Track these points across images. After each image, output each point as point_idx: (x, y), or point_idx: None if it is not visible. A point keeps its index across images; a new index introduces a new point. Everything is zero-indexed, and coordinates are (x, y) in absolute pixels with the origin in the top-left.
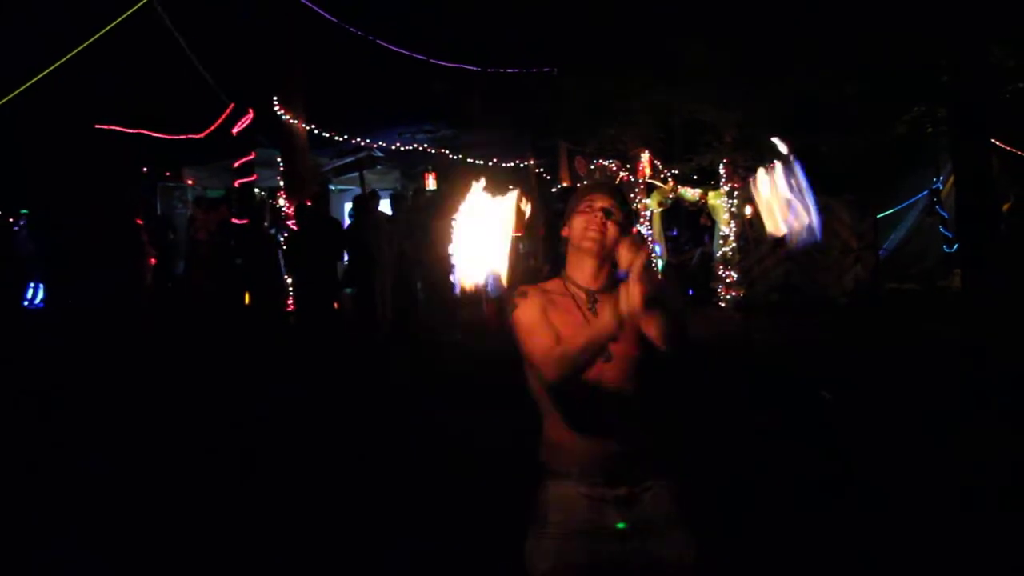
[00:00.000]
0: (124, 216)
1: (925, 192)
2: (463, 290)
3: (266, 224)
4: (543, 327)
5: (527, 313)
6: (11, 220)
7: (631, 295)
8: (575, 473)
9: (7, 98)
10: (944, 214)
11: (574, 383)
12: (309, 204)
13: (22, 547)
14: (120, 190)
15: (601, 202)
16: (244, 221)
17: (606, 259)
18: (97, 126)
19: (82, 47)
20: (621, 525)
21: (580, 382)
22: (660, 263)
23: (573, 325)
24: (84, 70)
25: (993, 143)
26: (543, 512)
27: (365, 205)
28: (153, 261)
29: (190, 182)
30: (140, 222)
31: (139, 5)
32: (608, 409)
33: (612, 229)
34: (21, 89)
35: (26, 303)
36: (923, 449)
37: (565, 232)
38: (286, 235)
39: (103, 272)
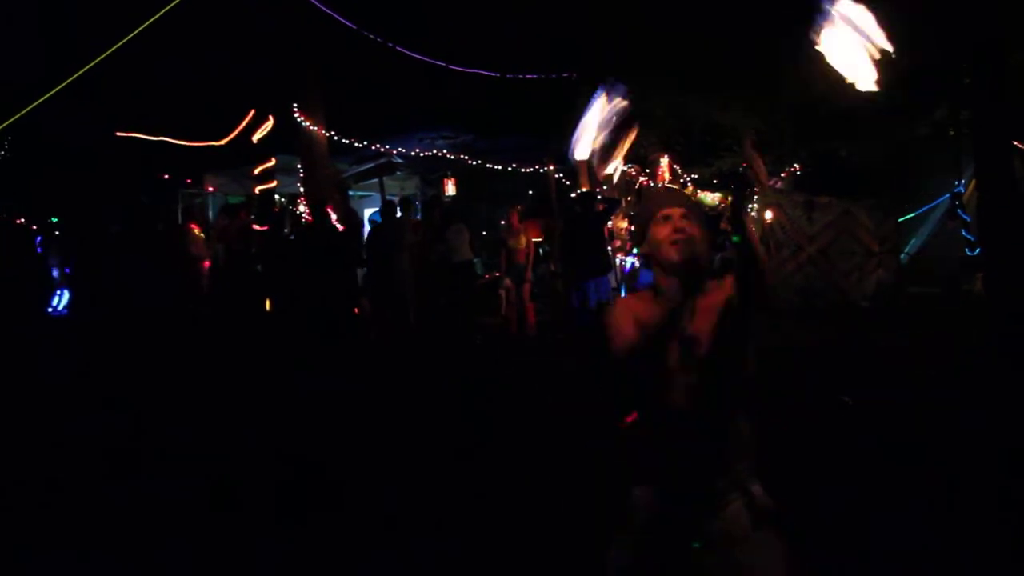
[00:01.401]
0: (151, 224)
1: (947, 195)
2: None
3: (286, 231)
4: (628, 319)
5: (616, 312)
6: (35, 228)
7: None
8: (657, 482)
9: (30, 107)
10: (966, 217)
11: (661, 394)
12: (310, 220)
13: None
14: (148, 197)
15: (675, 212)
16: (264, 228)
17: (695, 267)
18: (119, 134)
19: (105, 55)
20: (696, 544)
21: (666, 393)
22: None
23: (662, 339)
24: (108, 78)
25: (1016, 146)
26: (628, 515)
27: (390, 211)
28: (207, 264)
29: (211, 189)
30: (195, 227)
31: (161, 13)
32: (693, 418)
33: (694, 230)
34: (44, 98)
35: (50, 310)
36: (943, 453)
37: (645, 250)
38: (306, 242)
39: (134, 279)
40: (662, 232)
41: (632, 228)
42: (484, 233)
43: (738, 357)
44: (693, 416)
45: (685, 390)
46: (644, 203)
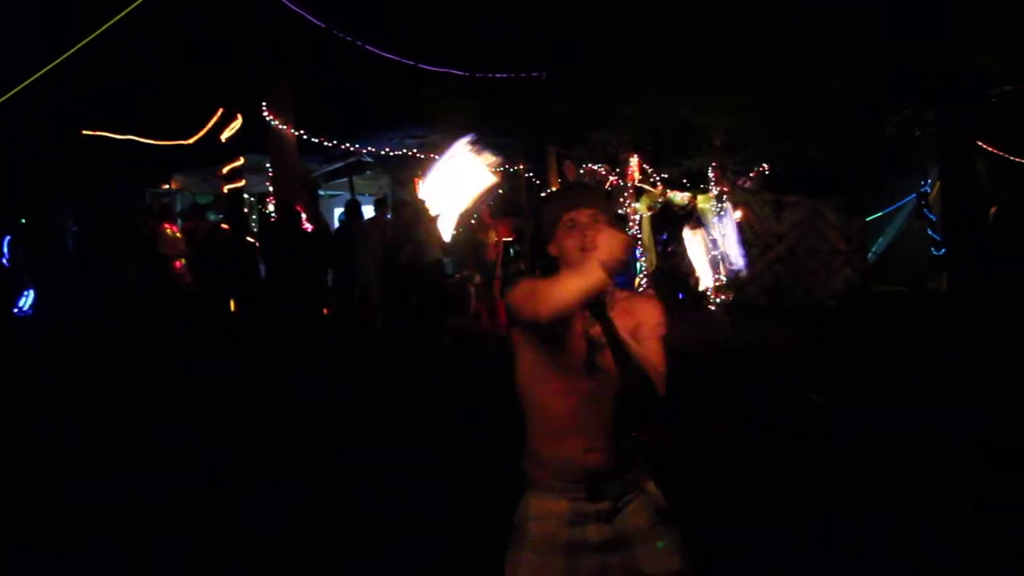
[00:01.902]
0: (122, 222)
1: (913, 195)
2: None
3: (253, 230)
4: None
5: (525, 282)
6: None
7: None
8: (556, 487)
9: None
10: (932, 217)
11: (557, 397)
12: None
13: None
14: (113, 197)
15: (583, 216)
16: (227, 228)
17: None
18: (86, 132)
19: (70, 52)
20: (661, 544)
21: (564, 394)
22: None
23: (566, 335)
24: (73, 75)
25: (980, 146)
26: (524, 524)
27: (354, 212)
28: (179, 265)
29: (176, 186)
30: (167, 226)
31: (129, 9)
32: (592, 424)
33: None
34: (8, 96)
35: (16, 310)
36: (910, 451)
37: (554, 251)
38: (274, 242)
39: (99, 278)
40: (570, 239)
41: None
42: (455, 232)
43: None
44: (593, 419)
45: (582, 392)
46: (550, 202)
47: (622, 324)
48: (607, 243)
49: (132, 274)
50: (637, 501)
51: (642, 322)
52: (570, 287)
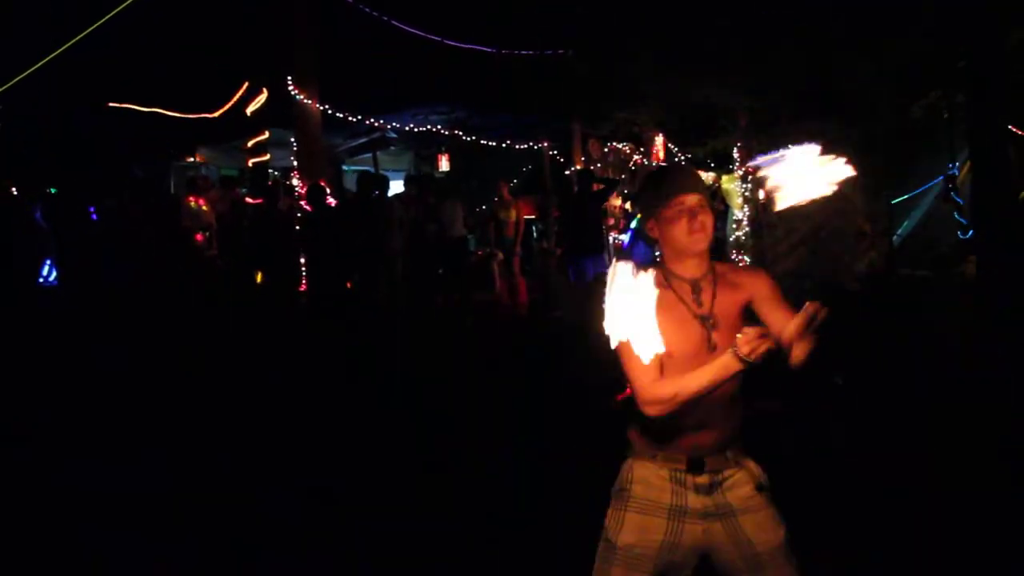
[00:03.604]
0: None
1: (940, 178)
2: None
3: (280, 204)
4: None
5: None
6: (31, 198)
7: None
8: (659, 456)
9: (21, 76)
10: (959, 200)
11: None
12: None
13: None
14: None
15: (690, 200)
16: (259, 201)
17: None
18: (111, 104)
19: (97, 24)
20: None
21: (681, 372)
22: None
23: (678, 321)
24: (99, 48)
25: (1011, 130)
26: (627, 487)
27: (381, 188)
28: (201, 238)
29: (203, 161)
30: (192, 199)
31: None
32: (706, 402)
33: (709, 221)
34: (37, 67)
35: (41, 280)
36: (932, 435)
37: (653, 232)
38: (299, 216)
39: (126, 253)
40: (679, 223)
41: (630, 207)
42: (477, 209)
43: None
44: (707, 398)
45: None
46: (656, 182)
47: (732, 300)
48: (750, 341)
49: (153, 247)
50: (737, 476)
51: (756, 295)
52: (702, 383)
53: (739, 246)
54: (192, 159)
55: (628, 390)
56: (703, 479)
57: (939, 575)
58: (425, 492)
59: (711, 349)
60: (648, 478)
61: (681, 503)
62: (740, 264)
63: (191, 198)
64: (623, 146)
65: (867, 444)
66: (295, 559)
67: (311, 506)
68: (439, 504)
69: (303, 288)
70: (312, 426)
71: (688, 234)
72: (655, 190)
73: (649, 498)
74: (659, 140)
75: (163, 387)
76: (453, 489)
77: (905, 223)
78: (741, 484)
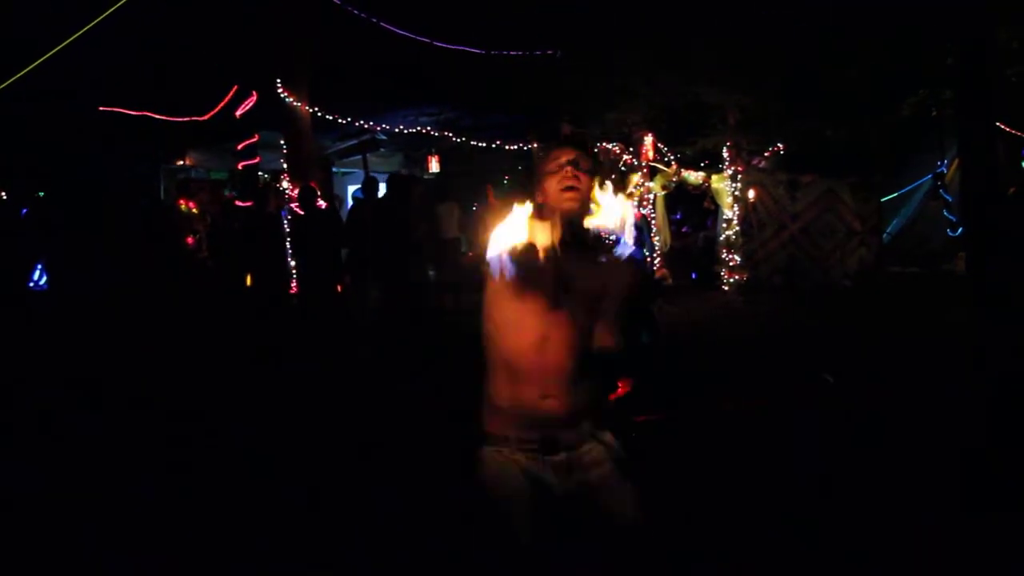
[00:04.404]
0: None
1: (929, 176)
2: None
3: (270, 207)
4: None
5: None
6: (18, 203)
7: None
8: (512, 439)
9: (11, 80)
10: (948, 198)
11: (520, 335)
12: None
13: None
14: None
15: (566, 155)
16: (248, 204)
17: (582, 216)
18: (102, 108)
19: (86, 28)
20: None
21: (526, 333)
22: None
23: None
24: (89, 51)
25: (999, 127)
26: (483, 472)
27: (372, 189)
28: (191, 240)
29: (191, 162)
30: (183, 202)
31: None
32: (551, 368)
33: (584, 180)
34: (27, 71)
35: (31, 284)
36: (923, 433)
37: (540, 199)
38: (290, 218)
39: (111, 258)
40: (555, 178)
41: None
42: (474, 208)
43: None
44: (548, 363)
45: (544, 333)
46: (541, 154)
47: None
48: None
49: (143, 249)
50: (595, 453)
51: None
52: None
53: (729, 245)
54: (182, 162)
55: (620, 388)
56: (559, 458)
57: (933, 572)
58: (422, 494)
59: (556, 304)
60: (503, 469)
61: (539, 482)
62: (731, 262)
63: (182, 201)
64: (613, 146)
65: (857, 441)
66: (292, 558)
67: (305, 506)
68: (437, 508)
69: (294, 291)
70: (305, 426)
71: (560, 189)
72: (543, 150)
73: (506, 475)
74: (648, 140)
75: (152, 387)
76: (450, 488)
77: (895, 220)
78: (599, 463)
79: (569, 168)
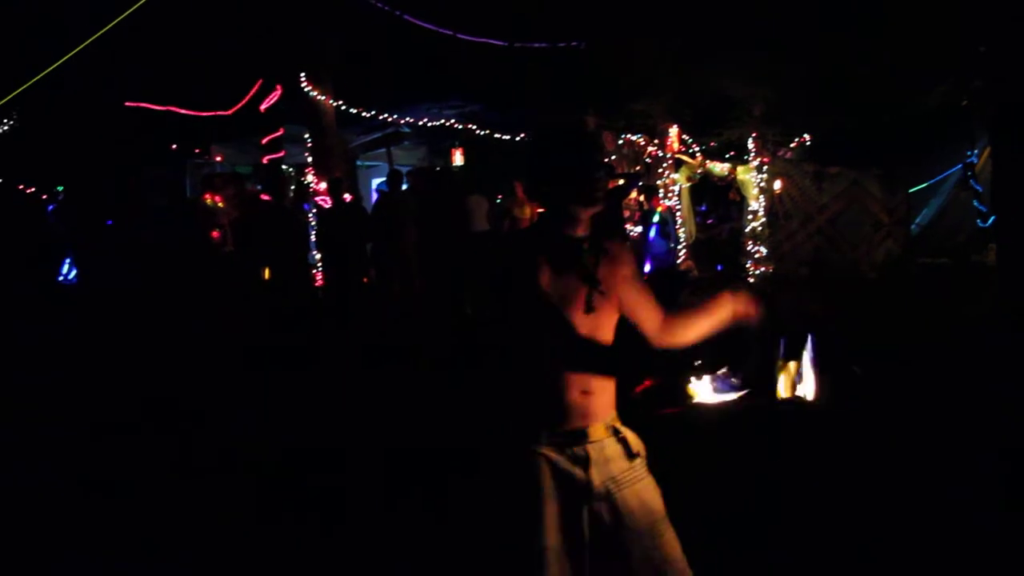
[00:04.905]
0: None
1: (959, 166)
2: None
3: (293, 201)
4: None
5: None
6: (44, 197)
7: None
8: (543, 436)
9: (37, 77)
10: (978, 188)
11: (548, 336)
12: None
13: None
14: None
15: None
16: (271, 197)
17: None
18: (128, 104)
19: (111, 25)
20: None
21: (554, 333)
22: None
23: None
24: (114, 48)
25: None
26: (509, 475)
27: (397, 182)
28: (216, 234)
29: (219, 159)
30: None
31: None
32: (577, 366)
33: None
34: (53, 67)
35: (61, 278)
36: (950, 426)
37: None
38: (314, 212)
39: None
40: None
41: (644, 200)
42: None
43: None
44: (575, 360)
45: (572, 332)
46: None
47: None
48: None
49: (168, 243)
50: (615, 447)
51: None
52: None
53: (755, 237)
54: (207, 157)
55: (647, 381)
56: (581, 450)
57: (959, 563)
58: (441, 489)
59: (589, 309)
60: (529, 470)
61: (567, 482)
62: (756, 254)
63: (207, 195)
64: (638, 138)
65: (886, 434)
66: (302, 553)
67: (326, 500)
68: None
69: (319, 284)
70: (327, 420)
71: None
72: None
73: (533, 482)
74: (673, 132)
75: (174, 381)
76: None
77: (923, 212)
78: (619, 457)
79: None
